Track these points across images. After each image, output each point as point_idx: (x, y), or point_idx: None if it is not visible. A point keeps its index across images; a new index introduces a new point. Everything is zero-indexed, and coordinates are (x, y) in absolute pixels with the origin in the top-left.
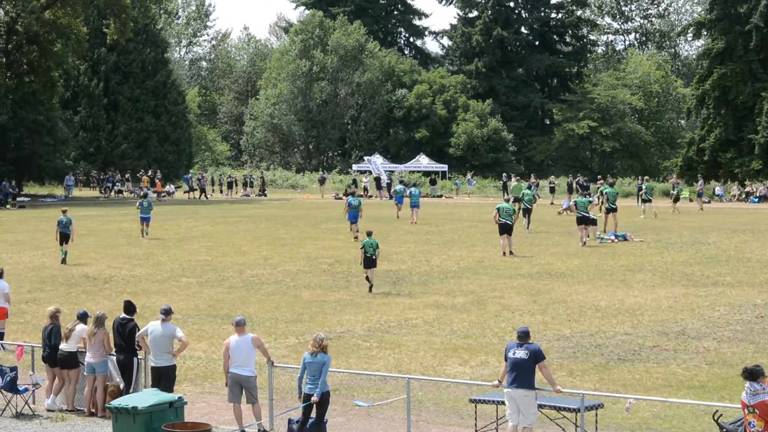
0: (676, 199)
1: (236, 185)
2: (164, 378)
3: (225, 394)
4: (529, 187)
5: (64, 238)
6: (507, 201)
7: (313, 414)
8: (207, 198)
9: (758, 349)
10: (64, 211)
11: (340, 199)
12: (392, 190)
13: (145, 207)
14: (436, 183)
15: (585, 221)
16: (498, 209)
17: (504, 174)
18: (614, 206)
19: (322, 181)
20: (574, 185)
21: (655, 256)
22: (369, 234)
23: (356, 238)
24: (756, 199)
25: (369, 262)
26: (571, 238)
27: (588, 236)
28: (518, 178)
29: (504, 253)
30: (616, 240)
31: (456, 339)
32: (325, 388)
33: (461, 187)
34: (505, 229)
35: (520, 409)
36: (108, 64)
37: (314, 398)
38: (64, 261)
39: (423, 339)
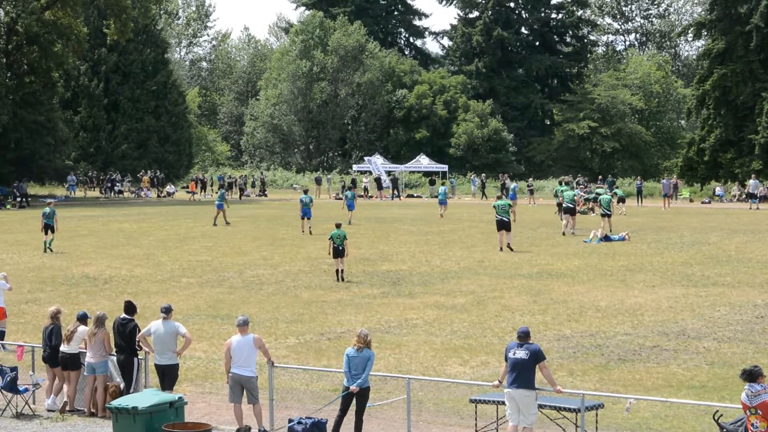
0: (622, 200)
1: (236, 186)
2: (167, 376)
3: (225, 394)
4: (560, 183)
5: (48, 228)
6: (500, 198)
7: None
8: (244, 198)
9: (758, 349)
10: (49, 204)
11: (340, 199)
12: (437, 191)
13: (306, 203)
14: (435, 183)
15: (570, 212)
16: (495, 207)
17: (482, 174)
18: (572, 205)
19: (318, 182)
20: (574, 185)
21: (655, 257)
22: (338, 226)
23: (310, 232)
24: (756, 200)
25: (337, 253)
26: (571, 238)
27: (571, 228)
28: (567, 179)
29: (501, 248)
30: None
31: (456, 339)
32: (367, 383)
33: (456, 187)
34: (503, 226)
35: (520, 409)
36: (108, 64)
37: (353, 387)
38: (45, 250)
39: (423, 339)
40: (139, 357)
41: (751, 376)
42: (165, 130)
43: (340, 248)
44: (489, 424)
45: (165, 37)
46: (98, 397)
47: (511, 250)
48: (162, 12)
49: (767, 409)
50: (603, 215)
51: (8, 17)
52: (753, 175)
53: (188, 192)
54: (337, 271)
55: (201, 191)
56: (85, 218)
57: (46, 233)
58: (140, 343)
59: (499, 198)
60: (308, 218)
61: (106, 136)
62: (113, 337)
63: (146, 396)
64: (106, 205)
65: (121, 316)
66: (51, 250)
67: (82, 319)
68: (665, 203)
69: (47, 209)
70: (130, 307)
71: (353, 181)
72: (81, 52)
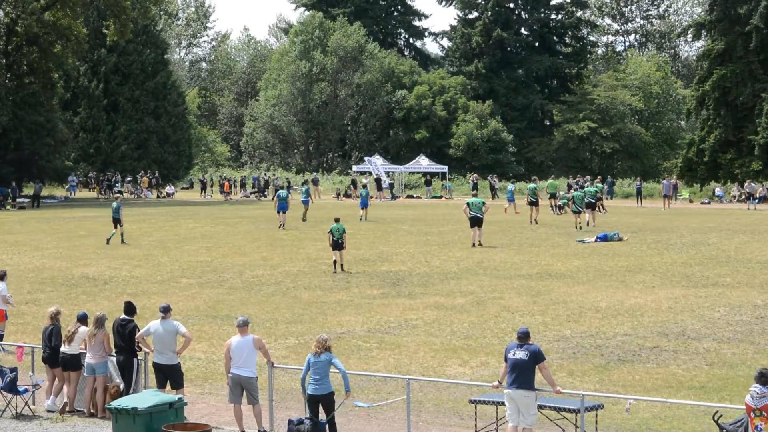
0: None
1: (235, 186)
2: (171, 378)
3: (225, 394)
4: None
5: (115, 221)
6: (475, 196)
7: (322, 414)
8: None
9: (758, 350)
10: (116, 198)
11: (342, 200)
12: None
13: (283, 198)
14: (432, 184)
15: (591, 206)
16: (468, 203)
17: (474, 174)
18: (534, 199)
19: (315, 182)
20: (574, 186)
21: (655, 257)
22: (337, 220)
23: (282, 226)
24: (756, 200)
25: (336, 246)
26: (570, 238)
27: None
28: (579, 179)
29: (473, 244)
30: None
31: (456, 340)
32: (330, 389)
33: (452, 189)
34: (475, 222)
35: (520, 409)
36: (108, 65)
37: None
38: (108, 241)
39: (423, 340)
40: (139, 358)
41: (764, 378)
42: (165, 131)
43: (339, 241)
44: (489, 424)
45: (165, 37)
46: (98, 398)
47: (480, 245)
48: (161, 13)
49: None
50: (575, 212)
51: (8, 18)
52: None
53: (222, 192)
54: (335, 262)
55: (202, 192)
56: (85, 219)
57: (115, 227)
58: (139, 344)
59: (474, 195)
60: (284, 212)
61: (106, 137)
62: (113, 338)
63: (146, 397)
64: (106, 206)
65: (121, 317)
66: (124, 242)
67: (82, 319)
68: (665, 204)
69: (114, 203)
70: (129, 308)
71: (353, 182)
72: (81, 53)
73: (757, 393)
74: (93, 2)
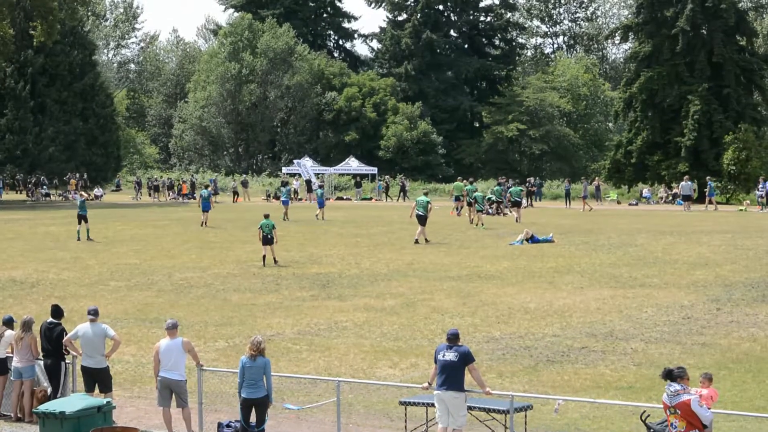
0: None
1: (163, 188)
2: (99, 382)
3: (154, 398)
4: (499, 185)
5: (82, 218)
6: (426, 194)
7: (253, 418)
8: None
9: (685, 350)
10: (81, 195)
11: (277, 199)
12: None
13: (205, 198)
14: (361, 186)
15: (517, 204)
16: (416, 201)
17: (387, 177)
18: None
19: (245, 184)
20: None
21: (583, 258)
22: (266, 216)
23: (205, 224)
24: (682, 201)
25: (266, 240)
26: (499, 240)
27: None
28: (502, 180)
29: (416, 240)
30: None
31: (386, 341)
32: (264, 392)
33: (382, 190)
34: (419, 220)
35: (449, 411)
36: (35, 66)
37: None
38: (78, 238)
39: (353, 342)
40: (67, 361)
41: (671, 375)
42: (92, 133)
43: (269, 236)
44: (419, 426)
45: (92, 38)
46: (25, 402)
47: (427, 241)
48: (89, 13)
49: (686, 409)
50: (478, 211)
51: None
52: (686, 177)
53: (179, 194)
54: (264, 257)
55: (137, 193)
56: (12, 221)
57: (79, 222)
58: (67, 347)
59: (426, 194)
60: (206, 212)
61: (33, 139)
62: (40, 342)
63: (73, 400)
64: (33, 208)
65: (48, 320)
66: (90, 239)
67: (8, 323)
68: (584, 205)
69: (78, 200)
70: (57, 311)
71: (283, 183)
72: (7, 54)
73: (672, 391)
74: (19, 3)
